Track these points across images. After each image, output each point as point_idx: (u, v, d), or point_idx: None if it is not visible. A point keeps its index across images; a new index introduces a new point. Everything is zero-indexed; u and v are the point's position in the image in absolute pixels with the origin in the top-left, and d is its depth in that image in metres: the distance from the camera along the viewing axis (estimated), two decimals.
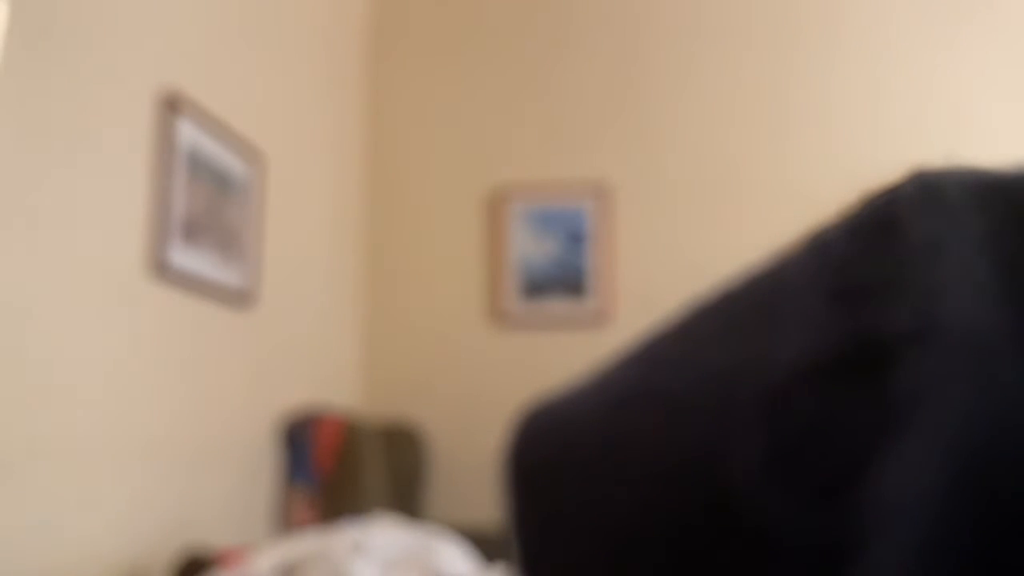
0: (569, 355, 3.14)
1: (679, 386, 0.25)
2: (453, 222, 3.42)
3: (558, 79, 3.42)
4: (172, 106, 2.14)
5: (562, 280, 3.30)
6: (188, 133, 2.21)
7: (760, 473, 0.21)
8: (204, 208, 2.28)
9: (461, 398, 3.29)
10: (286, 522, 2.67)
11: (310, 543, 1.73)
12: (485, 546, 2.46)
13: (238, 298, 2.46)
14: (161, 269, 2.08)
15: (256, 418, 2.60)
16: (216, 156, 2.35)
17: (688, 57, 3.37)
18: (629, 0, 3.44)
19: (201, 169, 2.27)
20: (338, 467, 2.76)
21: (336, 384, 3.17)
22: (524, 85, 3.44)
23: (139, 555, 1.97)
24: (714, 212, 3.27)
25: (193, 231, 2.22)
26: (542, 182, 3.36)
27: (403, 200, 3.47)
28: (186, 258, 2.19)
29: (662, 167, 3.33)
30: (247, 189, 2.52)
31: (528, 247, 3.33)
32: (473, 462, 3.15)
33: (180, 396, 2.18)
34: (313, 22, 3.08)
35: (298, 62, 2.94)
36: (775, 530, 0.21)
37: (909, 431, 0.19)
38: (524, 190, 3.36)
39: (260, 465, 2.61)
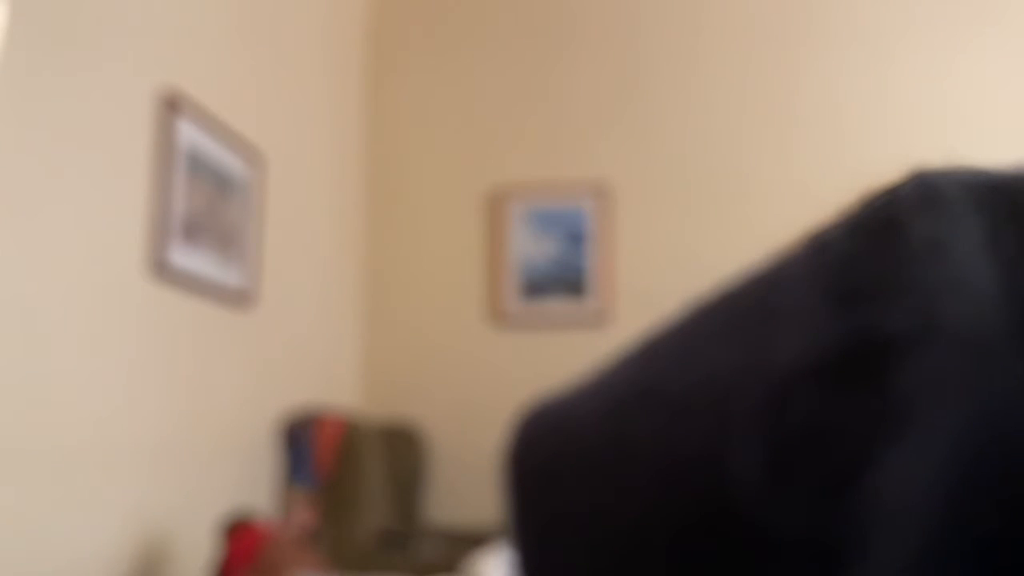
0: (569, 355, 3.14)
1: (679, 387, 0.25)
2: (453, 222, 3.42)
3: (558, 79, 3.42)
4: (172, 106, 2.14)
5: (562, 280, 3.30)
6: (188, 133, 2.21)
7: (760, 474, 0.21)
8: (204, 208, 2.28)
9: (461, 398, 3.29)
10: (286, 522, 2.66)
11: None
12: (485, 546, 2.46)
13: (238, 298, 2.46)
14: (161, 269, 2.08)
15: (256, 418, 2.60)
16: (216, 156, 2.35)
17: (688, 57, 3.37)
18: (630, 1, 3.44)
19: (201, 169, 2.27)
20: (338, 467, 2.76)
21: (336, 384, 3.17)
22: (524, 85, 3.44)
23: (139, 555, 1.97)
24: (714, 212, 3.27)
25: (193, 231, 2.22)
26: (542, 182, 3.36)
27: (403, 200, 3.47)
28: (186, 258, 2.19)
29: (662, 167, 3.33)
30: (247, 189, 2.52)
31: (528, 247, 3.33)
32: (473, 462, 3.15)
33: (180, 396, 2.18)
34: (313, 22, 3.08)
35: (298, 62, 2.94)
36: (775, 531, 0.21)
37: (909, 432, 0.19)
38: (524, 190, 3.36)
39: (260, 465, 2.61)
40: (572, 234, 3.32)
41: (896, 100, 3.22)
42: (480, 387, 3.26)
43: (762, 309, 0.24)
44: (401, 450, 3.09)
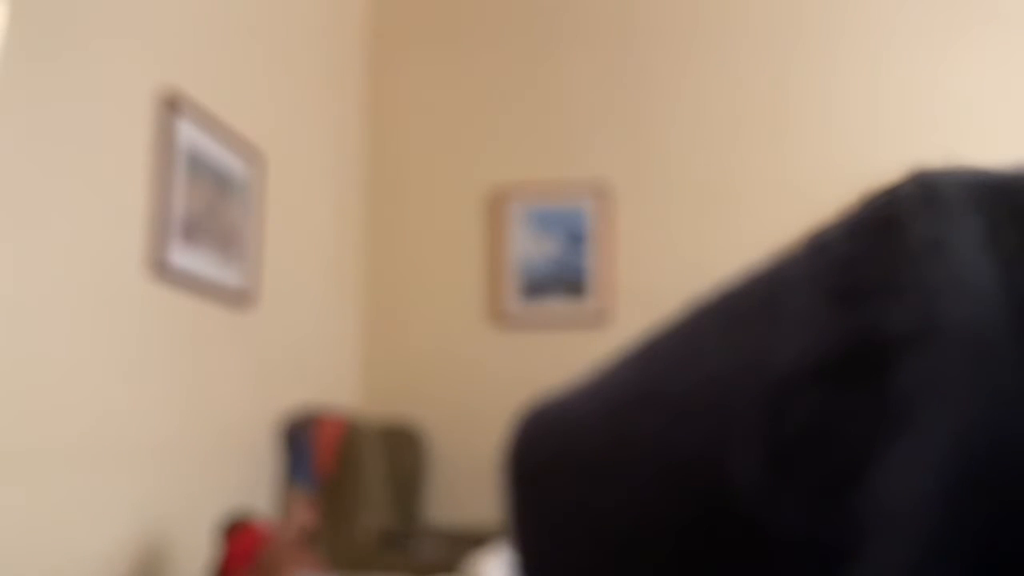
0: (569, 355, 3.14)
1: (679, 387, 0.25)
2: (453, 222, 3.42)
3: (558, 79, 3.42)
4: (172, 106, 2.14)
5: (562, 280, 3.30)
6: (188, 133, 2.21)
7: (760, 474, 0.21)
8: (204, 208, 2.28)
9: (461, 398, 3.29)
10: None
11: None
12: (485, 546, 2.46)
13: (238, 298, 2.46)
14: (161, 269, 2.08)
15: (256, 418, 2.60)
16: (216, 156, 2.35)
17: (688, 57, 3.37)
18: (630, 1, 3.44)
19: (201, 169, 2.27)
20: (338, 467, 2.76)
21: (336, 384, 3.17)
22: (524, 85, 3.44)
23: (139, 554, 1.97)
24: (714, 212, 3.27)
25: (193, 231, 2.22)
26: (542, 182, 3.36)
27: (403, 200, 3.47)
28: (186, 258, 2.19)
29: (662, 167, 3.33)
30: (247, 189, 2.52)
31: (528, 247, 3.33)
32: (473, 462, 3.15)
33: (180, 396, 2.18)
34: (313, 22, 3.08)
35: (298, 62, 2.94)
36: (776, 531, 0.21)
37: (909, 432, 0.19)
38: (524, 190, 3.36)
39: (260, 465, 2.61)
40: (572, 234, 3.32)
41: (894, 100, 3.22)
42: (480, 387, 3.26)
43: (762, 309, 0.24)
44: (401, 450, 3.09)
